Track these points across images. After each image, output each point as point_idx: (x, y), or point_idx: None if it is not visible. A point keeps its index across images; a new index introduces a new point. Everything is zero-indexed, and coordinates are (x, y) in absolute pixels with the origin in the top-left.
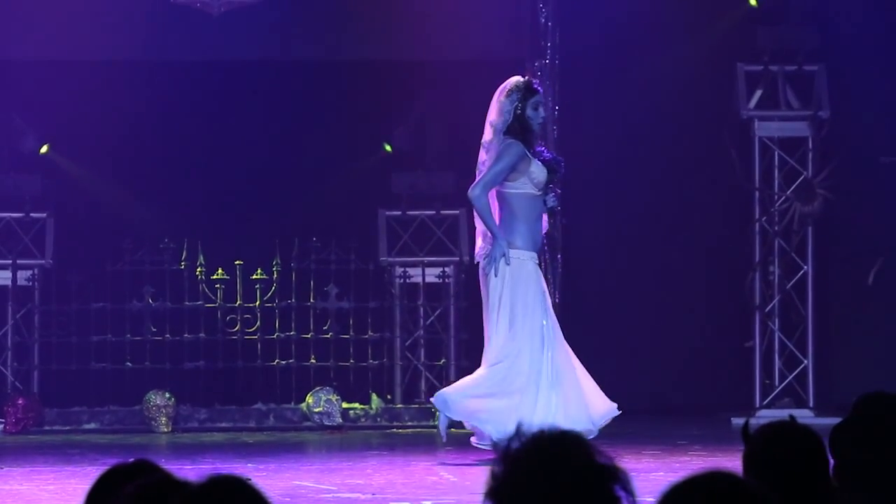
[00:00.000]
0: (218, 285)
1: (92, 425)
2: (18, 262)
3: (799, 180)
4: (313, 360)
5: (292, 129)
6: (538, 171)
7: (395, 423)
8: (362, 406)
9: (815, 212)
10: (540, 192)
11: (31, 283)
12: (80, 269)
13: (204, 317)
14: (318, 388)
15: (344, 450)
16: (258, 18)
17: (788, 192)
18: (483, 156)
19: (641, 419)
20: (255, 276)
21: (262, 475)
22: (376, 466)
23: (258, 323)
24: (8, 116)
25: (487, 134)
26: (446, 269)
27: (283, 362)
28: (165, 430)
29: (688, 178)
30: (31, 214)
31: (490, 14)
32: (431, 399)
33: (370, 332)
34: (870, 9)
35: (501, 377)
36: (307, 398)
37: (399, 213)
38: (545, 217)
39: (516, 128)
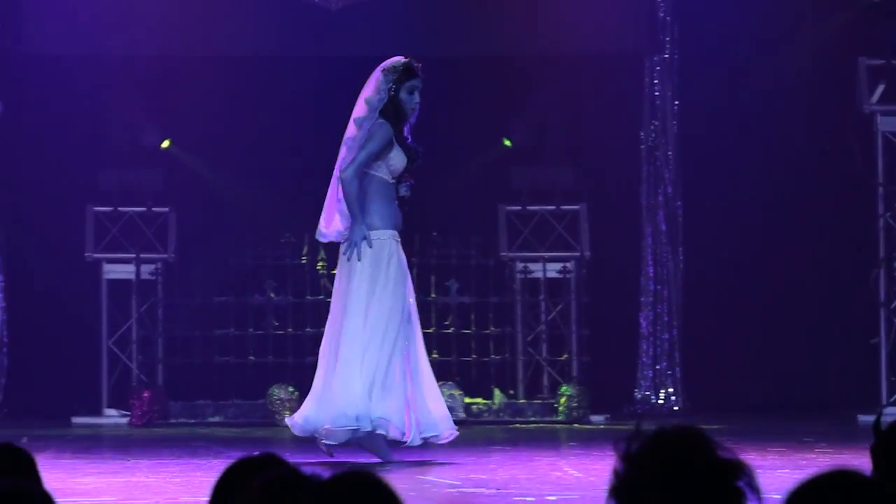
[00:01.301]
0: None
1: (216, 418)
2: (141, 256)
3: None
4: (435, 355)
5: (412, 124)
6: (397, 159)
7: (517, 419)
8: (485, 401)
9: None
10: (393, 181)
11: (154, 278)
12: (202, 264)
13: (325, 311)
14: (440, 382)
15: (467, 445)
16: (377, 15)
17: None
18: (353, 131)
19: (766, 416)
20: None
21: (385, 470)
22: (500, 461)
23: None
24: (130, 112)
25: (360, 109)
26: (567, 264)
27: None
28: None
29: (809, 174)
30: (154, 209)
31: (608, 9)
32: (321, 439)
33: (492, 327)
34: None
35: (360, 365)
36: None
37: (519, 207)
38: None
39: (389, 110)
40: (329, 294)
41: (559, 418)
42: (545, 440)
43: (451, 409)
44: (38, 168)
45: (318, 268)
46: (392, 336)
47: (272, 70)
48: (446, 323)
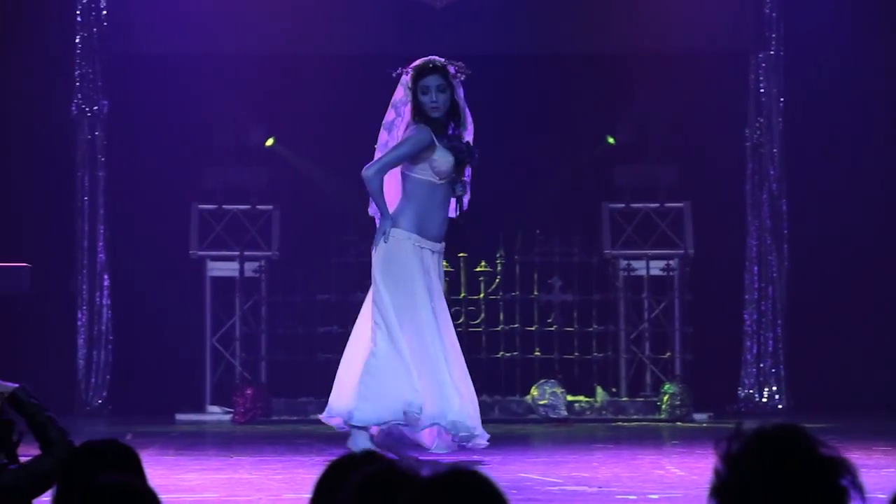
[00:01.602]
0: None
1: (319, 415)
2: (245, 253)
3: None
4: (538, 353)
5: (515, 122)
6: (442, 159)
7: (620, 417)
8: (587, 399)
9: None
10: (442, 181)
11: (258, 275)
12: (305, 261)
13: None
14: (542, 380)
15: (569, 442)
16: (479, 13)
17: None
18: (384, 137)
19: (871, 414)
20: (478, 269)
21: (487, 467)
22: (602, 460)
23: (482, 315)
24: (234, 110)
25: (389, 114)
26: (671, 262)
27: (508, 354)
28: None
29: None
30: (258, 207)
31: (713, 5)
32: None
33: (594, 325)
34: None
35: (375, 360)
36: (532, 390)
37: (622, 205)
38: (453, 203)
39: (416, 112)
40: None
41: (662, 416)
42: (648, 438)
43: (553, 406)
44: (144, 166)
45: None
46: (401, 328)
47: (376, 68)
48: (549, 321)
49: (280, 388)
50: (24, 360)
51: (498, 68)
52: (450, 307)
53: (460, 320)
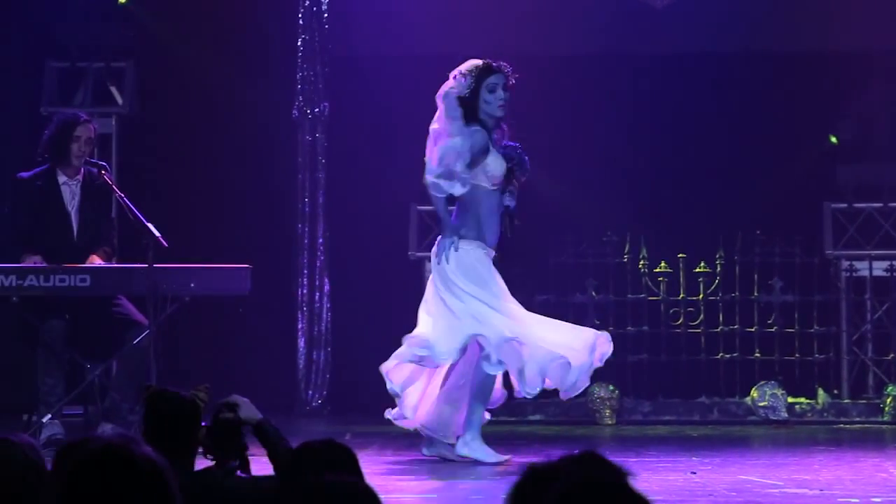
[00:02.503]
0: (661, 278)
1: (537, 416)
2: None
3: None
4: (758, 354)
5: (736, 121)
6: (495, 164)
7: (841, 419)
8: (808, 401)
9: None
10: (495, 188)
11: None
12: (523, 262)
13: (647, 310)
14: (762, 381)
15: (790, 445)
16: (700, 12)
17: None
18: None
19: None
20: (698, 270)
21: (706, 469)
22: (823, 462)
23: (701, 316)
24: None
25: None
26: (894, 262)
27: (727, 356)
28: (609, 422)
29: None
30: None
31: None
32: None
33: (815, 326)
34: None
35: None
36: (752, 392)
37: (845, 205)
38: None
39: (471, 110)
40: (651, 293)
41: (885, 419)
42: (870, 441)
43: (773, 408)
44: (364, 168)
45: (640, 266)
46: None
47: (596, 69)
48: (769, 322)
49: None
50: (245, 360)
51: (719, 67)
52: (668, 308)
53: (679, 321)
